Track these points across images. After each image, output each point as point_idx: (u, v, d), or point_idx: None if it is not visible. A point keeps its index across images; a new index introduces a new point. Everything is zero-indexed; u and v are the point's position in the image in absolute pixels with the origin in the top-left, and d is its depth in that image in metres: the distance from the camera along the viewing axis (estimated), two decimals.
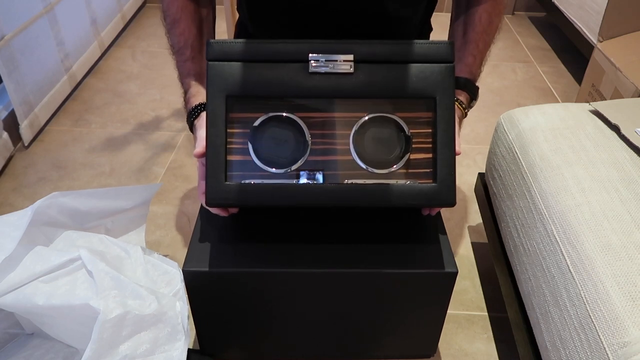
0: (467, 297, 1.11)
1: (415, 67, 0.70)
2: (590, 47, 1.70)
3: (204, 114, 0.76)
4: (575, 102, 1.42)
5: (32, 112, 1.55)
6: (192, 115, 0.79)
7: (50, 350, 0.89)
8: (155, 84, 1.87)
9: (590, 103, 0.96)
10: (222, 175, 0.70)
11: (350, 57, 0.69)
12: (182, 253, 0.80)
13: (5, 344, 0.90)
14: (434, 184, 0.71)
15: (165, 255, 0.85)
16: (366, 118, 0.71)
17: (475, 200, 1.19)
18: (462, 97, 0.82)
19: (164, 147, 1.55)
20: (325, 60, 0.69)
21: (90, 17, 1.91)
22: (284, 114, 0.70)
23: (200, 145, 0.73)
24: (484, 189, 1.10)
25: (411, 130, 0.71)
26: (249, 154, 0.71)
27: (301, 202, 0.71)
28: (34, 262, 0.77)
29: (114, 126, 1.65)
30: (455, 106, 0.78)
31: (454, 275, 0.79)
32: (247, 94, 0.70)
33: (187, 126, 0.81)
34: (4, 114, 1.47)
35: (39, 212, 0.82)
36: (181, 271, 0.78)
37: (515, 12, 2.56)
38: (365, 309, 0.84)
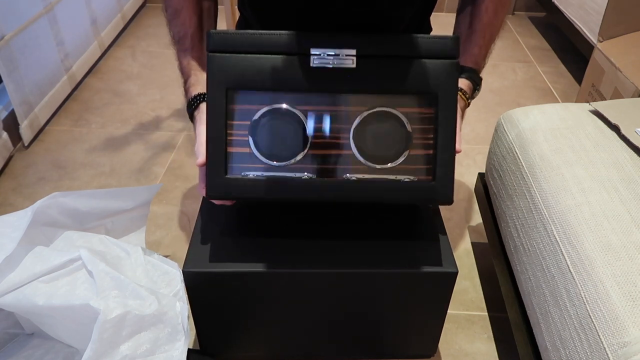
0: (467, 297, 1.11)
1: (418, 63, 0.69)
2: (590, 47, 1.70)
3: (203, 106, 0.76)
4: (575, 102, 1.42)
5: (32, 112, 1.55)
6: (191, 106, 0.80)
7: (50, 350, 0.89)
8: (155, 84, 1.87)
9: (590, 103, 0.96)
10: (223, 169, 0.70)
11: (353, 51, 0.68)
12: (182, 253, 0.80)
13: (5, 344, 0.90)
14: (432, 182, 0.71)
15: (166, 256, 0.86)
16: (367, 113, 0.70)
17: (475, 200, 1.19)
18: (466, 86, 0.82)
19: (164, 147, 1.55)
20: (327, 55, 0.69)
21: (90, 17, 1.91)
22: (285, 107, 0.70)
23: (201, 153, 0.73)
24: (484, 189, 1.10)
25: (412, 126, 0.71)
26: (249, 147, 0.71)
27: (300, 196, 0.72)
28: (34, 263, 0.77)
29: (114, 126, 1.65)
30: (458, 96, 0.78)
31: (454, 275, 0.79)
32: (247, 87, 0.70)
33: (187, 126, 0.81)
34: (4, 114, 1.47)
35: (39, 212, 0.82)
36: (181, 271, 0.78)
37: (515, 12, 2.56)
38: (365, 309, 0.84)
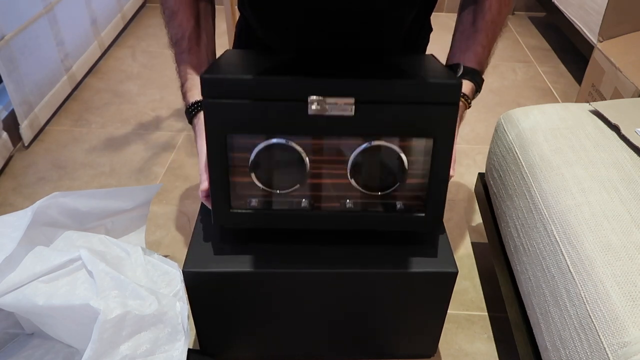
0: (467, 297, 1.11)
1: (417, 108, 0.67)
2: (590, 47, 1.70)
3: (202, 115, 0.77)
4: (575, 102, 1.42)
5: (32, 112, 1.55)
6: (190, 112, 0.80)
7: (50, 350, 0.89)
8: (155, 84, 1.87)
9: (590, 103, 0.96)
10: (227, 204, 0.74)
11: (351, 100, 0.66)
12: (182, 253, 0.80)
13: (5, 344, 0.90)
14: (423, 213, 0.75)
15: (166, 256, 0.86)
16: (365, 146, 0.70)
17: (475, 200, 1.19)
18: (468, 89, 0.82)
19: (164, 147, 1.55)
20: (325, 104, 0.66)
21: (90, 17, 1.91)
22: (284, 142, 0.70)
23: (204, 180, 0.75)
24: (484, 189, 1.10)
25: (408, 158, 0.71)
26: (251, 178, 0.72)
27: (300, 225, 0.76)
28: (34, 263, 0.77)
29: (114, 126, 1.65)
30: (459, 103, 0.78)
31: (454, 275, 0.79)
32: (244, 132, 0.69)
33: (187, 126, 0.82)
34: (4, 114, 1.47)
35: (39, 212, 0.82)
36: (181, 271, 0.78)
37: (515, 12, 2.56)
38: (365, 309, 0.84)
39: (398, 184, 0.73)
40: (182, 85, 0.82)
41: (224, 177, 0.71)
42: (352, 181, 0.73)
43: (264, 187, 0.73)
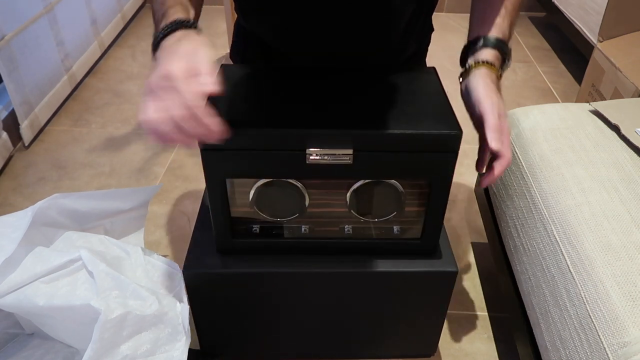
0: (467, 297, 1.11)
1: (417, 156, 0.67)
2: (590, 47, 1.70)
3: (179, 33, 0.66)
4: (575, 102, 1.42)
5: (32, 112, 1.55)
6: (167, 29, 0.68)
7: (50, 350, 0.89)
8: None
9: (590, 103, 0.96)
10: (229, 234, 0.76)
11: (350, 151, 0.66)
12: (182, 253, 0.80)
13: (5, 344, 0.90)
14: (419, 240, 0.78)
15: (165, 256, 0.86)
16: (364, 182, 0.71)
17: (475, 200, 1.19)
18: (493, 57, 0.74)
19: (164, 147, 1.55)
20: (323, 154, 0.66)
21: (90, 17, 1.91)
22: (284, 180, 0.71)
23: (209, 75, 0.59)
24: (484, 189, 1.10)
25: (405, 190, 0.72)
26: (252, 210, 0.74)
27: (300, 250, 0.78)
28: (35, 263, 0.77)
29: (114, 126, 1.65)
30: (488, 71, 0.73)
31: (453, 275, 0.79)
32: (244, 176, 0.71)
33: None
34: (4, 114, 1.47)
35: (39, 213, 0.82)
36: (181, 272, 0.78)
37: None
38: (365, 309, 0.84)
39: (395, 215, 0.75)
40: (159, 10, 0.70)
41: (225, 212, 0.73)
42: (350, 210, 0.75)
43: (264, 218, 0.75)
